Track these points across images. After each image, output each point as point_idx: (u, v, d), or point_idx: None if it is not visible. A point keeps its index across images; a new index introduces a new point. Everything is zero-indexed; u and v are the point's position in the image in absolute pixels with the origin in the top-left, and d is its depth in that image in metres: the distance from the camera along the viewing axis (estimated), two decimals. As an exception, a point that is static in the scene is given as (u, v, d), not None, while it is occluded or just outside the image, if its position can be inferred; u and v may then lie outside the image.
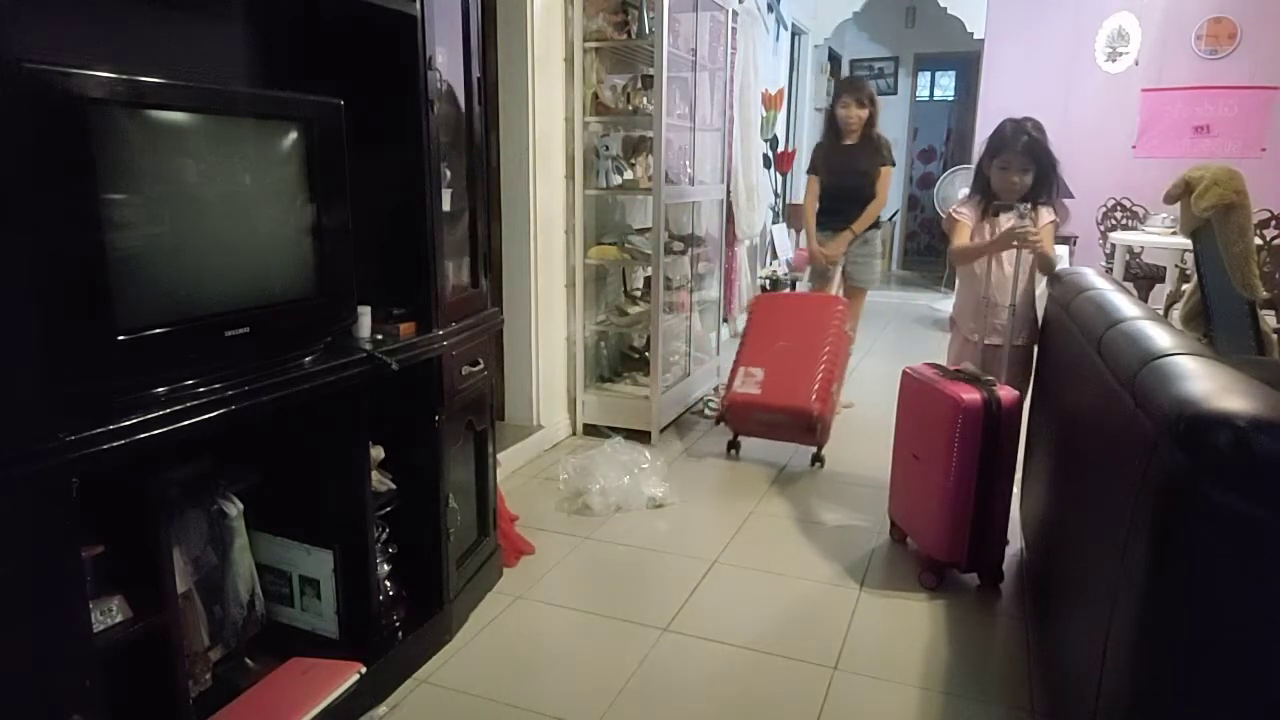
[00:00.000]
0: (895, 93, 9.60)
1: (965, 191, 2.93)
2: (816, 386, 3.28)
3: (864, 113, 3.93)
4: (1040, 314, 2.74)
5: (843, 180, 3.98)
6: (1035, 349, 2.71)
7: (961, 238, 2.81)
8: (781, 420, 3.32)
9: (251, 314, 1.51)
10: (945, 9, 7.25)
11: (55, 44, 1.37)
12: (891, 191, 11.18)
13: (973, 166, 2.97)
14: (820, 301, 3.71)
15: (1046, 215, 2.67)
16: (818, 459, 3.40)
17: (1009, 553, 2.57)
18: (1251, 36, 5.76)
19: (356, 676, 1.80)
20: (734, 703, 1.93)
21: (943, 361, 2.67)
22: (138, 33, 1.57)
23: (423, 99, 1.87)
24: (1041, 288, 2.76)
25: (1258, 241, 3.59)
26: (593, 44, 3.54)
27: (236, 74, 1.80)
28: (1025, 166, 2.64)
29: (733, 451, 3.53)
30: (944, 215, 3.17)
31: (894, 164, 4.04)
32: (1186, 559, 1.10)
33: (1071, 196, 2.72)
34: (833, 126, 4.05)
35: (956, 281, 3.18)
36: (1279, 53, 5.70)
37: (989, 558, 2.41)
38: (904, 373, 2.64)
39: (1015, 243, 2.60)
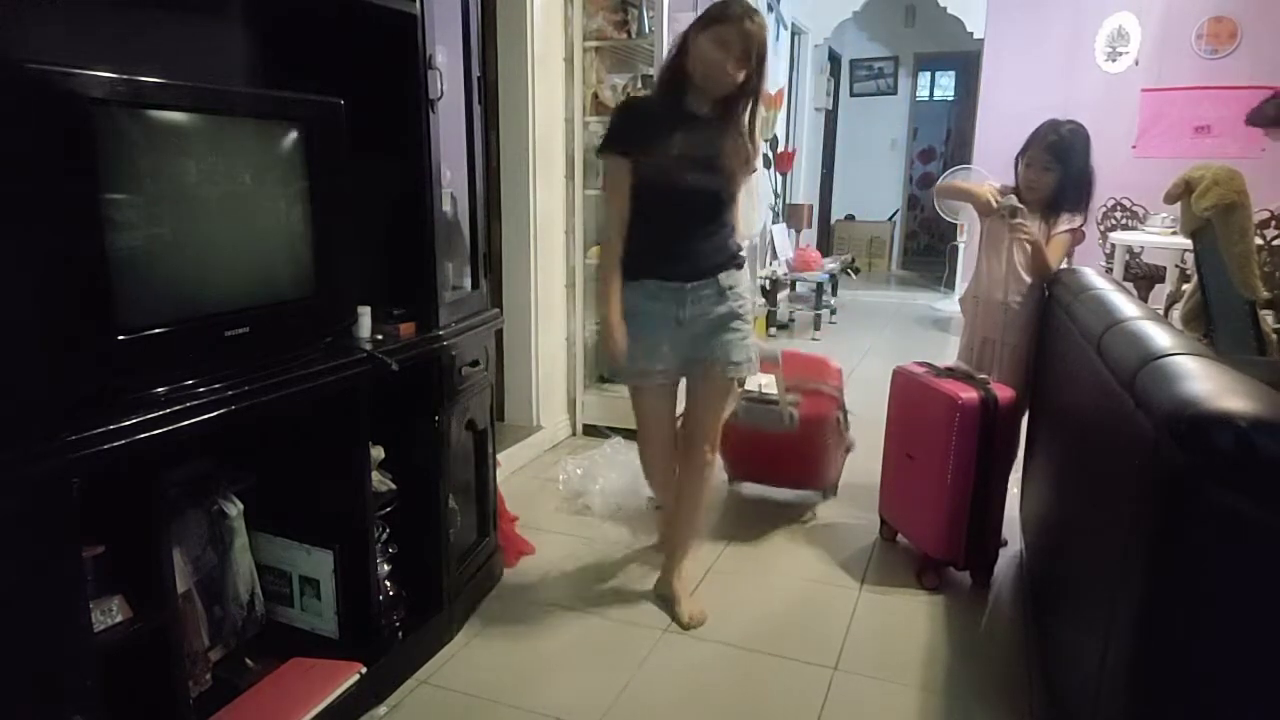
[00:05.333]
0: (895, 93, 9.61)
1: None
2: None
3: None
4: None
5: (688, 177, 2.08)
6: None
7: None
8: None
9: (252, 314, 1.52)
10: (945, 9, 7.25)
11: (55, 44, 1.37)
12: (891, 191, 11.11)
13: (973, 166, 2.96)
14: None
15: (1065, 223, 2.52)
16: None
17: (1009, 553, 2.57)
18: (1252, 36, 5.75)
19: (356, 676, 1.80)
20: (734, 703, 1.94)
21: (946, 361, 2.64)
22: (138, 33, 1.57)
23: (423, 99, 1.87)
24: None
25: (1258, 241, 3.58)
26: (593, 44, 3.54)
27: (236, 74, 1.80)
28: (1046, 165, 2.50)
29: None
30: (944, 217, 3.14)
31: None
32: (1187, 559, 1.10)
33: None
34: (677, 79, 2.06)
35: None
36: (1279, 52, 5.69)
37: (985, 556, 2.41)
38: (895, 371, 2.62)
39: (1007, 223, 2.50)
